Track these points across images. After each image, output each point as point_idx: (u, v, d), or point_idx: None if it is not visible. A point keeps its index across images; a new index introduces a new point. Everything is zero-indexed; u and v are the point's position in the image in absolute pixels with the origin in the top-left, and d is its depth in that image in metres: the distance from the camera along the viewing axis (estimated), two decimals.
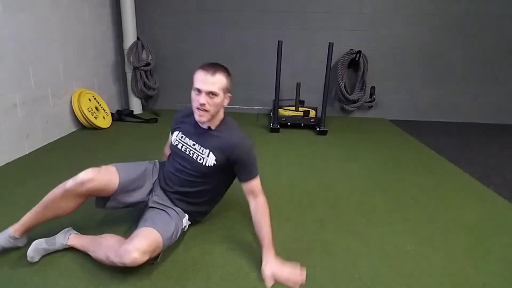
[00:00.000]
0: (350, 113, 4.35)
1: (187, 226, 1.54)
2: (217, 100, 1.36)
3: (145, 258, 1.22)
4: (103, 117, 3.44)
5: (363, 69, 4.01)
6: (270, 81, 3.67)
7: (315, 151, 2.94)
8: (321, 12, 3.97)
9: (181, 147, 1.51)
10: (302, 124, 3.65)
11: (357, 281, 1.33)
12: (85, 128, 3.31)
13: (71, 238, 1.43)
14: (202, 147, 1.45)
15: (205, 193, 1.54)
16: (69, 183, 1.33)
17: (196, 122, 1.46)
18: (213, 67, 1.35)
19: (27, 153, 2.60)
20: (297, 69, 4.14)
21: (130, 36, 3.83)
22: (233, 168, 1.44)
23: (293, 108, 3.78)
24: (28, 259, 1.32)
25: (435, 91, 4.22)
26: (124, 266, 1.21)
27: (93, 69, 3.57)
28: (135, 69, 3.88)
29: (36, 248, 1.35)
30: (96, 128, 3.31)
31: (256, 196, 1.42)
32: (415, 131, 3.68)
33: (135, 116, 3.87)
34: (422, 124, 4.12)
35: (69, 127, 3.19)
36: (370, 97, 4.18)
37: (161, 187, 1.56)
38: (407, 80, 4.19)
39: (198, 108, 1.36)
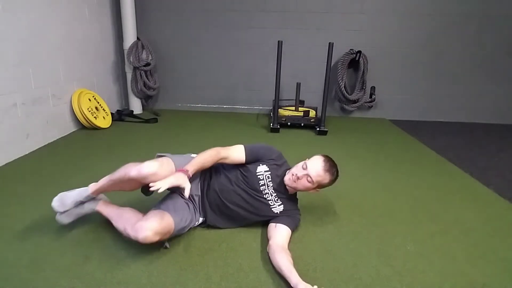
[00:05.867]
0: (350, 113, 4.35)
1: (198, 222, 1.61)
2: (308, 186, 1.52)
3: (156, 238, 1.32)
4: (103, 117, 3.44)
5: (363, 69, 4.01)
6: (270, 81, 3.67)
7: (315, 151, 2.91)
8: (321, 12, 3.97)
9: (261, 183, 1.57)
10: (302, 124, 3.65)
11: (357, 281, 1.33)
12: (85, 128, 3.31)
13: (100, 204, 1.56)
14: (278, 198, 1.59)
15: (242, 220, 1.62)
16: (133, 173, 1.34)
17: (283, 179, 1.59)
18: (331, 167, 1.53)
19: (27, 153, 2.60)
20: (297, 69, 4.14)
21: (130, 36, 3.83)
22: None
23: (293, 108, 3.78)
24: (59, 222, 1.51)
25: (435, 91, 4.22)
26: (137, 241, 1.31)
27: (93, 69, 3.57)
28: (135, 69, 3.88)
29: (68, 213, 1.51)
30: (96, 128, 3.31)
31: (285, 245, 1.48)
32: (415, 131, 3.68)
33: (135, 116, 3.87)
34: (422, 124, 4.12)
35: (69, 127, 3.19)
36: (370, 97, 4.18)
37: (202, 189, 1.61)
38: (407, 80, 4.19)
39: (292, 174, 1.52)
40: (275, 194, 1.59)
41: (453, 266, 1.45)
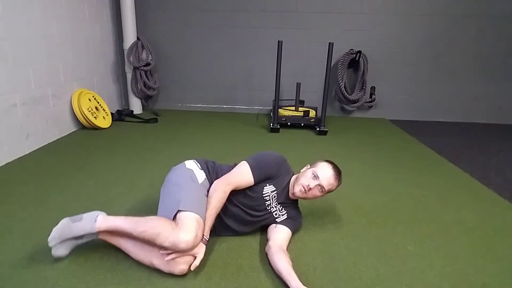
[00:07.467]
0: (350, 113, 4.35)
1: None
2: (319, 194, 1.52)
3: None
4: (103, 117, 3.44)
5: (363, 69, 4.01)
6: (270, 81, 3.67)
7: (315, 151, 2.94)
8: (321, 12, 3.97)
9: (267, 203, 1.55)
10: (302, 124, 3.65)
11: (357, 281, 1.33)
12: (85, 128, 3.31)
13: (103, 233, 1.36)
14: (283, 208, 1.58)
15: (247, 230, 1.60)
16: (166, 244, 1.23)
17: (288, 189, 1.58)
18: (339, 173, 1.55)
19: (27, 153, 2.60)
20: (297, 69, 4.14)
21: (130, 36, 3.83)
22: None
23: (293, 108, 3.78)
24: (56, 256, 1.31)
25: (435, 91, 4.21)
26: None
27: (93, 69, 3.57)
28: (135, 69, 3.88)
29: (66, 245, 1.32)
30: (96, 128, 3.31)
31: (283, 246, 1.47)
32: (415, 131, 3.68)
33: (135, 116, 3.87)
34: (422, 124, 4.12)
35: (69, 127, 3.19)
36: (370, 97, 4.18)
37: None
38: (407, 80, 4.19)
39: (303, 186, 1.49)
40: (280, 205, 1.57)
41: (453, 266, 1.45)
